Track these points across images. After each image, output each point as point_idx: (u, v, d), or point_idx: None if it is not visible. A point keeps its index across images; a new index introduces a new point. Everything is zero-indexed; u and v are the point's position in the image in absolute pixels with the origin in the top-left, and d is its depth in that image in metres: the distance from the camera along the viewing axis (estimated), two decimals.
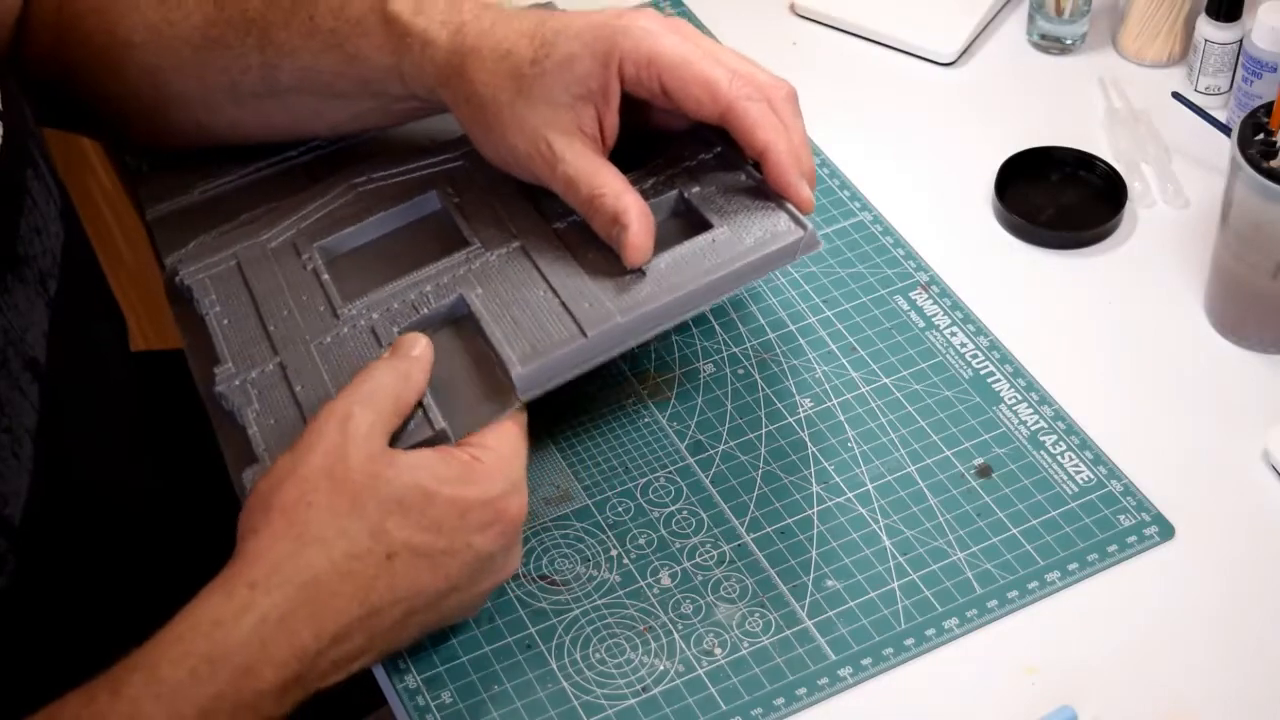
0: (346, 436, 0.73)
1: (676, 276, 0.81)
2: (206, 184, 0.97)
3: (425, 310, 0.84)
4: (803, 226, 0.82)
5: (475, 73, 0.83)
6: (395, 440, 0.77)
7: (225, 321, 0.87)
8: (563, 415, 0.89)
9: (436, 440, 0.78)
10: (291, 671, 0.69)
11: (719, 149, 0.88)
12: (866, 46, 1.12)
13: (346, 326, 0.85)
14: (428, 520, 0.72)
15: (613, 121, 0.83)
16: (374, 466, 0.72)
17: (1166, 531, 0.82)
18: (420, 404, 0.79)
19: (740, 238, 0.83)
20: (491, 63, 0.82)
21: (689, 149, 0.89)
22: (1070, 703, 0.76)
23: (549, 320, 0.81)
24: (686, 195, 0.86)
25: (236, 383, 0.84)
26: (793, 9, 1.15)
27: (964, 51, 1.11)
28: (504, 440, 0.76)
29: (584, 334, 0.80)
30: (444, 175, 0.93)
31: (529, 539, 0.83)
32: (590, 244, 0.84)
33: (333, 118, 0.93)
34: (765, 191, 0.84)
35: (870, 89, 1.09)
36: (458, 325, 0.84)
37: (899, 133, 1.06)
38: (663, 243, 0.83)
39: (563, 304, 0.82)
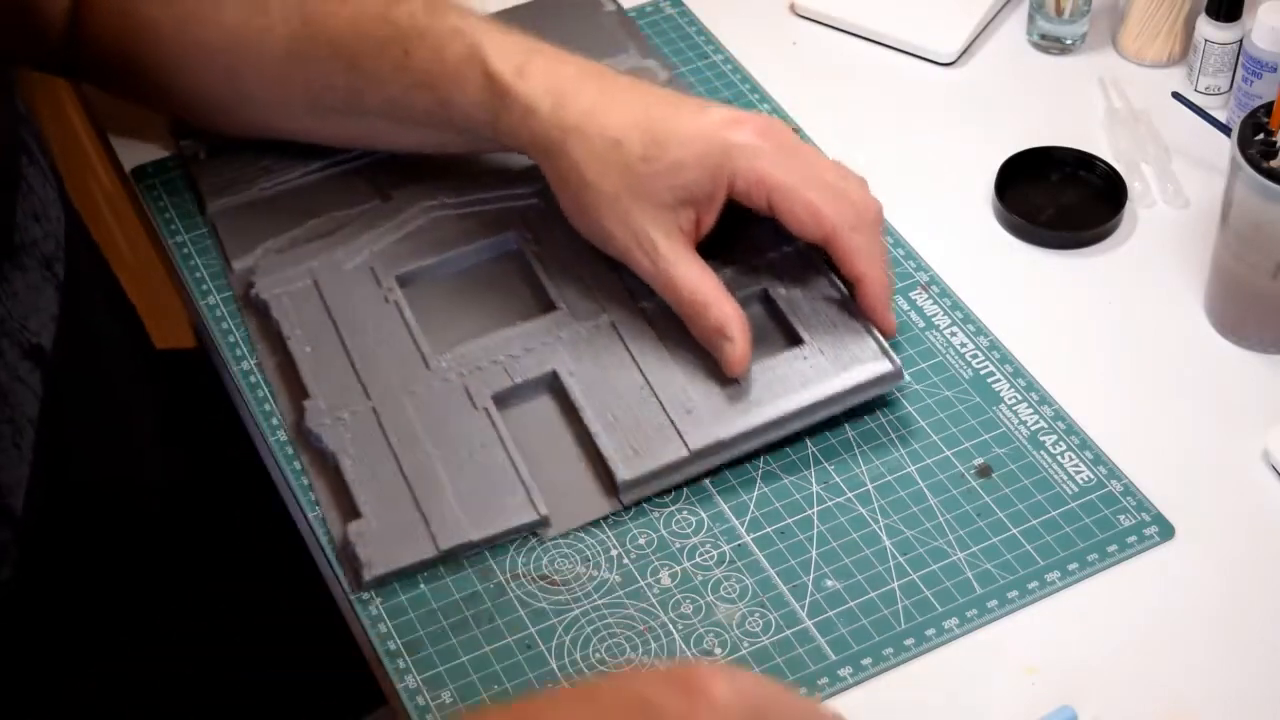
0: None
1: (771, 393, 0.85)
2: (267, 180, 0.98)
3: (519, 379, 0.86)
4: (891, 361, 0.86)
5: (579, 154, 0.84)
6: (491, 519, 0.80)
7: (308, 349, 0.89)
8: None
9: (539, 526, 0.81)
10: None
11: (799, 243, 0.90)
12: (866, 46, 1.12)
13: (438, 380, 0.87)
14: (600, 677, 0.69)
15: (710, 223, 0.86)
16: None
17: (1166, 531, 0.82)
18: (523, 483, 0.82)
19: (831, 361, 0.86)
20: (599, 149, 0.83)
21: (770, 238, 0.91)
22: (1070, 703, 0.76)
23: (650, 425, 0.84)
24: (772, 295, 0.89)
25: (327, 421, 0.85)
26: (793, 9, 1.15)
27: (964, 51, 1.11)
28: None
29: (687, 448, 0.83)
30: (519, 214, 0.94)
31: (529, 539, 0.83)
32: (676, 330, 0.87)
33: (413, 142, 0.94)
34: (851, 309, 0.88)
35: (870, 89, 1.09)
36: (555, 394, 0.87)
37: (899, 133, 1.06)
38: (754, 340, 0.85)
39: (661, 406, 0.84)
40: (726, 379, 0.85)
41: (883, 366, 0.86)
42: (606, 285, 0.90)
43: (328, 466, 0.84)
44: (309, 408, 0.86)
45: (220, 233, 0.97)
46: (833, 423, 0.87)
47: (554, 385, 0.87)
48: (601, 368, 0.87)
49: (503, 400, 0.86)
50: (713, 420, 0.84)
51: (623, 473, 0.82)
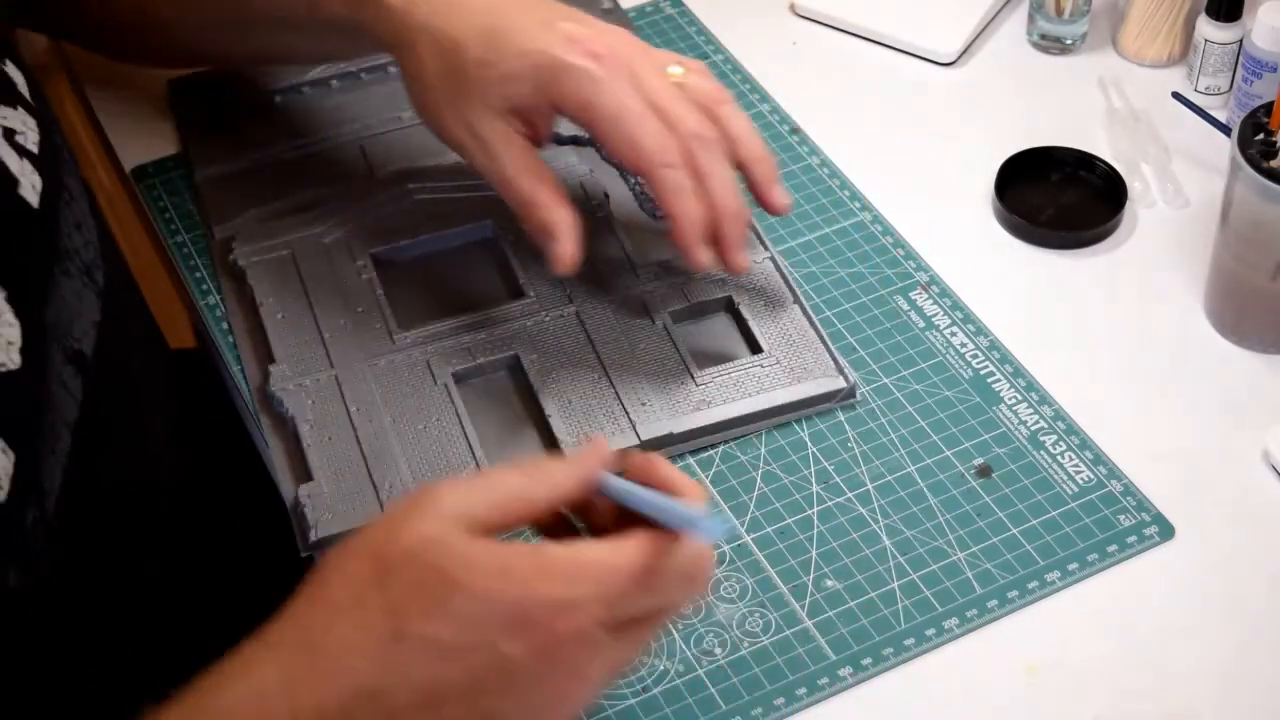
0: (415, 511, 0.64)
1: (725, 396, 0.87)
2: (256, 151, 1.01)
3: (480, 359, 0.88)
4: (846, 378, 0.88)
5: (424, 53, 0.85)
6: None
7: (279, 315, 0.91)
8: None
9: None
10: None
11: (768, 254, 0.94)
12: (866, 46, 1.12)
13: (402, 354, 0.88)
14: (447, 610, 0.62)
15: (545, 132, 0.86)
16: (416, 543, 0.63)
17: (1166, 531, 0.82)
18: (474, 457, 0.83)
19: (787, 372, 0.88)
20: (442, 49, 0.84)
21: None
22: (1070, 703, 0.76)
23: (603, 413, 0.86)
24: (737, 303, 0.91)
25: (291, 386, 0.88)
26: (793, 9, 1.15)
27: (964, 51, 1.11)
28: (607, 550, 0.63)
29: (638, 437, 0.84)
30: (498, 203, 0.95)
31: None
32: (640, 327, 0.90)
33: (306, 50, 0.97)
34: (814, 323, 0.90)
35: (870, 89, 1.09)
36: (514, 376, 0.89)
37: (899, 133, 1.06)
38: (714, 347, 0.90)
39: (617, 396, 0.86)
40: (684, 378, 0.87)
41: (836, 383, 0.88)
42: (576, 278, 0.91)
43: (287, 431, 0.86)
44: (274, 372, 0.88)
45: (205, 199, 0.99)
46: (834, 423, 0.87)
47: (514, 368, 0.89)
48: (562, 356, 0.88)
49: (462, 378, 0.88)
50: (666, 415, 0.86)
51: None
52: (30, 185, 0.77)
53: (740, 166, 0.87)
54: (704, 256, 0.84)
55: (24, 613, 0.71)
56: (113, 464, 0.85)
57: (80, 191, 0.85)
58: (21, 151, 0.77)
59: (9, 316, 0.71)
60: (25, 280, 0.74)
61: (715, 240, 0.84)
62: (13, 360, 0.71)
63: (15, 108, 0.79)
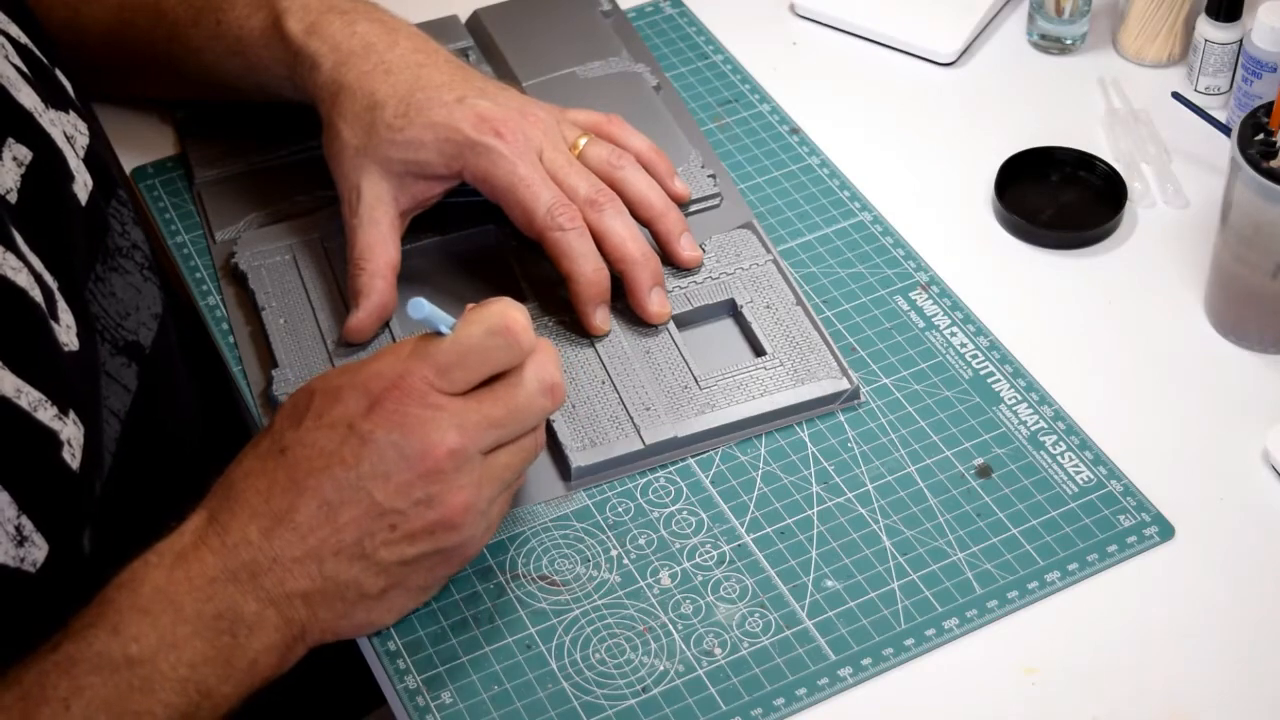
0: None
1: (729, 399, 0.87)
2: (256, 155, 1.01)
3: None
4: (849, 379, 0.88)
5: (344, 109, 0.91)
6: None
7: (282, 321, 0.92)
8: None
9: None
10: (231, 561, 0.72)
11: (770, 256, 0.94)
12: (866, 46, 1.12)
13: None
14: (310, 412, 0.75)
15: (433, 198, 0.92)
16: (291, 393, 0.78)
17: (1166, 531, 0.82)
18: None
19: (790, 374, 0.88)
20: (359, 106, 0.90)
21: (742, 251, 0.95)
22: (1070, 703, 0.76)
23: (607, 418, 0.86)
24: (740, 305, 0.92)
25: (293, 391, 0.86)
26: (793, 9, 1.15)
27: (964, 51, 1.11)
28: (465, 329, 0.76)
29: (642, 441, 0.85)
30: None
31: (529, 539, 0.83)
32: (642, 332, 0.90)
33: (235, 98, 1.01)
34: (817, 325, 0.90)
35: (870, 89, 1.09)
36: None
37: (899, 133, 1.06)
38: (717, 350, 0.90)
39: (621, 401, 0.87)
40: (688, 381, 0.87)
41: (840, 384, 0.88)
42: None
43: None
44: (276, 376, 0.88)
45: (205, 203, 0.99)
46: (834, 423, 0.87)
47: None
48: (565, 361, 0.88)
49: None
50: (670, 419, 0.86)
51: (577, 460, 0.84)
52: (83, 183, 0.82)
53: (645, 225, 0.92)
54: (597, 319, 0.89)
55: (95, 581, 0.72)
56: (155, 457, 0.86)
57: (128, 192, 0.88)
58: (75, 153, 0.82)
59: (64, 304, 0.76)
60: (71, 273, 0.78)
61: (628, 290, 0.89)
62: (73, 342, 0.76)
63: (67, 111, 0.84)
